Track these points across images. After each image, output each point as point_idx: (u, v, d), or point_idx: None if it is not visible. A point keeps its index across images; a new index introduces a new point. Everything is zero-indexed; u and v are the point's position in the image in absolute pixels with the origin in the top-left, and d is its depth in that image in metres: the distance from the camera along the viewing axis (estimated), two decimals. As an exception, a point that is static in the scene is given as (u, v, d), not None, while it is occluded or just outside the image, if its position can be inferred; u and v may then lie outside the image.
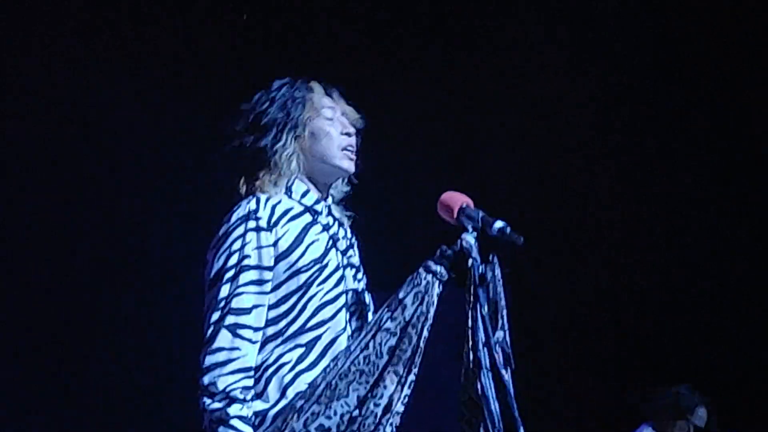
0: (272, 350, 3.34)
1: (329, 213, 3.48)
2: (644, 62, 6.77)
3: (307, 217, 3.41)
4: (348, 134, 3.48)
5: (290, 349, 3.34)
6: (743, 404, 6.51)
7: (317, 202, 3.46)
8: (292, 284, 3.34)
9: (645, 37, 6.70)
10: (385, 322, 3.28)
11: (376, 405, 3.23)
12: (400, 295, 3.29)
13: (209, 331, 3.29)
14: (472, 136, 6.89)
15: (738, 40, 6.58)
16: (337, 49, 6.50)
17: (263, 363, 3.33)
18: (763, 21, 6.49)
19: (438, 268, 3.29)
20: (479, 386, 3.20)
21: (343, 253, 3.44)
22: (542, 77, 6.72)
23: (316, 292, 3.35)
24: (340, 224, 3.50)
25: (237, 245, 3.33)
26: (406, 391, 3.28)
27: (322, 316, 3.36)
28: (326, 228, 3.43)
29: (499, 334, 3.26)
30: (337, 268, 3.40)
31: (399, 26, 6.67)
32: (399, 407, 3.27)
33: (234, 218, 3.36)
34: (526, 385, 3.37)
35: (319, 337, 3.36)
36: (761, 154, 6.78)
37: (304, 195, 3.44)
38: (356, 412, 3.23)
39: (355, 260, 3.48)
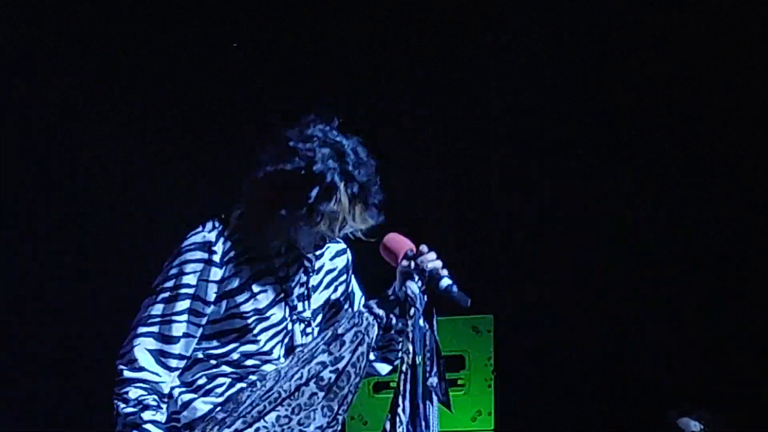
0: (201, 373, 3.43)
1: (294, 261, 3.46)
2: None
3: (265, 264, 3.43)
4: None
5: (217, 375, 3.42)
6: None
7: (285, 251, 3.45)
8: (228, 325, 3.41)
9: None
10: (318, 354, 3.37)
11: (302, 431, 3.33)
12: (339, 331, 3.40)
13: (133, 342, 3.37)
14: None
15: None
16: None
17: (194, 380, 3.42)
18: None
19: (381, 312, 3.41)
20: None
21: (293, 307, 3.47)
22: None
23: (251, 342, 3.42)
24: (303, 269, 3.48)
25: (185, 269, 3.38)
26: (337, 426, 3.39)
27: (254, 363, 3.43)
28: (280, 280, 3.45)
29: (433, 380, 3.39)
30: (281, 322, 3.45)
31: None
32: None
33: (191, 240, 3.41)
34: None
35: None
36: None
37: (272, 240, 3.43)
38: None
39: (307, 314, 3.50)
